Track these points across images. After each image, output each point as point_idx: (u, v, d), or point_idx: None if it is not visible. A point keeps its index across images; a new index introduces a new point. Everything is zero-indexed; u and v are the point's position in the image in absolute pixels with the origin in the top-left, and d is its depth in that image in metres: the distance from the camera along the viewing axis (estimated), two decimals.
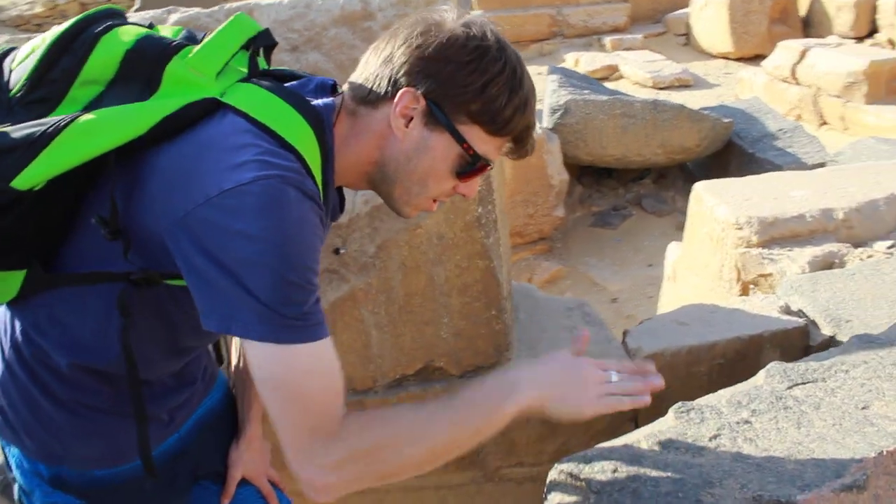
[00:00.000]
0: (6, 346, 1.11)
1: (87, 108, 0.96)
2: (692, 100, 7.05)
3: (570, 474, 1.28)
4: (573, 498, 1.25)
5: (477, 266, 2.03)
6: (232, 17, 1.07)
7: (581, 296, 4.12)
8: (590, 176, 5.59)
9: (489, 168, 1.07)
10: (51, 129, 0.92)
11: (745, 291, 2.68)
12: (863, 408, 1.35)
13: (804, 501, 1.12)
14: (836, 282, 2.35)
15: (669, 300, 3.25)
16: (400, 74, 1.02)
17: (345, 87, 1.10)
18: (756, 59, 8.72)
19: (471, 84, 1.01)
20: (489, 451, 2.20)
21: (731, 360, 2.16)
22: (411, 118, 1.03)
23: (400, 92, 1.02)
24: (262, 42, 1.08)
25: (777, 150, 4.74)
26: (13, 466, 1.18)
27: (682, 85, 8.30)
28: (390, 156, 1.05)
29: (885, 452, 1.20)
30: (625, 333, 2.29)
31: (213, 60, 1.01)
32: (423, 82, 1.01)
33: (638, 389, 1.12)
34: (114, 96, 0.98)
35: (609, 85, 7.04)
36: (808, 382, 1.46)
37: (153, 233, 0.96)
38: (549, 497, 1.29)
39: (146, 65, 0.99)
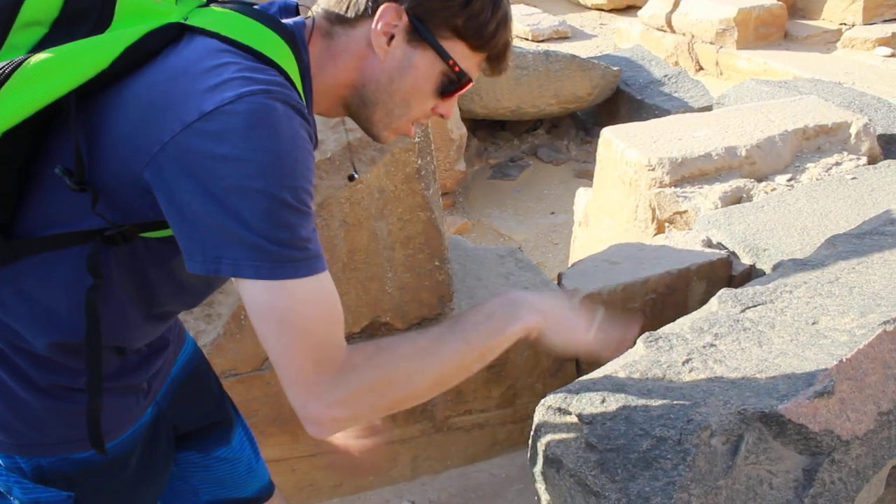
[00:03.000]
0: None
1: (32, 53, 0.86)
2: (573, 51, 7.20)
3: (559, 409, 1.31)
4: (563, 430, 1.29)
5: (419, 218, 2.03)
6: None
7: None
8: (484, 129, 5.65)
9: (471, 85, 1.04)
10: None
11: (660, 230, 2.80)
12: (813, 323, 1.46)
13: (785, 410, 1.21)
14: (747, 214, 2.50)
15: (583, 244, 3.35)
16: None
17: (314, 9, 1.03)
18: (629, 9, 9.01)
19: None
20: (437, 402, 2.23)
21: (662, 294, 2.26)
22: (393, 35, 0.97)
23: (381, 8, 0.96)
24: None
25: (664, 95, 4.94)
26: None
27: (561, 37, 8.46)
28: (370, 76, 1.00)
29: (844, 360, 1.30)
30: (560, 276, 2.35)
31: None
32: None
33: (622, 337, 1.16)
34: (61, 37, 0.87)
35: None
36: (758, 305, 1.55)
37: (124, 176, 0.87)
38: (539, 431, 1.32)
39: None
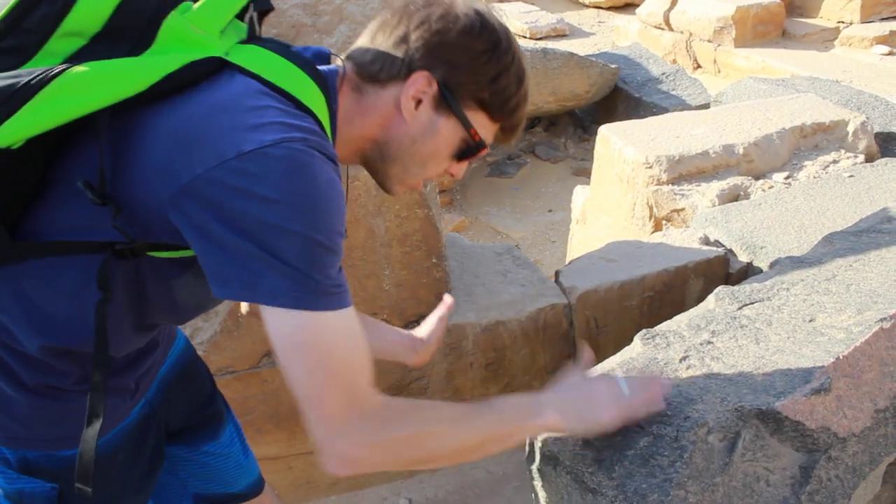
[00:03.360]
0: None
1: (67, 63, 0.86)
2: (571, 49, 7.20)
3: None
4: (559, 432, 1.29)
5: (416, 215, 2.03)
6: None
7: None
8: None
9: (486, 151, 1.10)
10: (35, 80, 0.82)
11: (658, 227, 2.80)
12: (810, 320, 1.46)
13: (782, 407, 1.21)
14: (745, 212, 2.50)
15: (581, 242, 3.35)
16: (415, 57, 1.00)
17: (342, 59, 1.06)
18: (627, 7, 9.01)
19: (484, 73, 1.01)
20: (433, 400, 2.23)
21: (659, 292, 2.26)
22: (421, 101, 1.02)
23: (414, 74, 1.00)
24: (259, 5, 1.02)
25: (662, 93, 4.94)
26: None
27: (559, 35, 8.46)
28: (394, 136, 1.04)
29: (841, 357, 1.30)
30: (557, 273, 2.35)
31: (216, 17, 0.94)
32: (439, 67, 1.00)
33: (649, 397, 1.17)
34: (98, 52, 0.88)
35: None
36: (755, 302, 1.55)
37: (148, 200, 0.88)
38: None
39: (140, 18, 0.89)
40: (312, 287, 0.86)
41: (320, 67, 1.00)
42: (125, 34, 0.88)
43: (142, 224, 0.90)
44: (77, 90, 0.83)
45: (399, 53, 1.01)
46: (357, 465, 0.94)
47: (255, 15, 1.01)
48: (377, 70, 1.02)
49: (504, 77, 1.02)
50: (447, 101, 1.01)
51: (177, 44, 0.90)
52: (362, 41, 1.05)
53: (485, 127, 1.05)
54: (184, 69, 0.88)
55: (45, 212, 0.93)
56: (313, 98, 0.94)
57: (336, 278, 0.89)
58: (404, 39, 1.00)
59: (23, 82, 0.81)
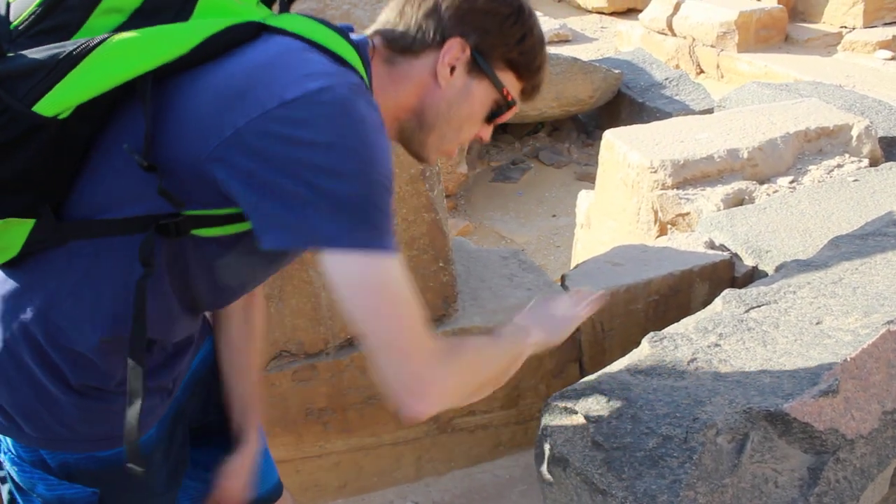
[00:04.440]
0: (5, 324, 0.98)
1: None
2: (574, 54, 7.22)
3: (565, 408, 1.32)
4: (569, 429, 1.29)
5: (423, 219, 2.04)
6: None
7: None
8: None
9: (517, 109, 1.14)
10: (78, 49, 0.84)
11: (663, 231, 2.81)
12: (817, 323, 1.47)
13: (790, 409, 1.21)
14: (750, 216, 2.51)
15: (585, 246, 3.36)
16: (447, 25, 1.04)
17: (368, 32, 1.08)
18: (629, 13, 9.03)
19: (512, 35, 1.06)
20: None
21: (665, 295, 2.27)
22: (454, 67, 1.05)
23: (448, 42, 1.04)
24: None
25: (665, 98, 4.95)
26: (5, 461, 1.09)
27: (562, 40, 8.49)
28: (430, 103, 1.07)
29: (848, 359, 1.31)
30: (563, 277, 2.36)
31: None
32: (470, 33, 1.04)
33: (587, 308, 1.34)
34: (138, 27, 0.89)
35: None
36: (762, 305, 1.56)
37: (186, 159, 0.88)
38: (545, 430, 1.33)
39: None
40: (371, 227, 0.86)
41: (352, 36, 1.03)
42: (164, 10, 0.91)
43: (184, 188, 0.90)
44: (121, 55, 0.85)
45: (431, 23, 1.04)
46: (444, 398, 0.95)
47: None
48: (410, 41, 1.05)
49: (529, 38, 1.07)
50: (479, 64, 1.05)
51: (214, 14, 0.93)
52: (389, 15, 1.09)
53: (514, 87, 1.10)
54: (224, 32, 0.91)
55: (89, 188, 0.93)
56: (354, 60, 0.96)
57: (391, 221, 0.89)
58: (435, 10, 1.05)
59: (67, 51, 0.84)
